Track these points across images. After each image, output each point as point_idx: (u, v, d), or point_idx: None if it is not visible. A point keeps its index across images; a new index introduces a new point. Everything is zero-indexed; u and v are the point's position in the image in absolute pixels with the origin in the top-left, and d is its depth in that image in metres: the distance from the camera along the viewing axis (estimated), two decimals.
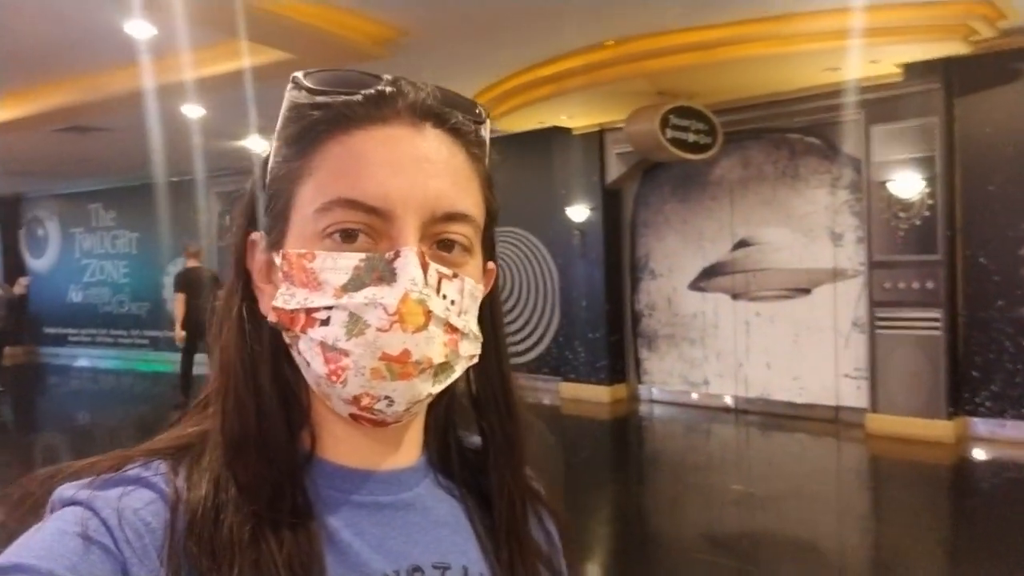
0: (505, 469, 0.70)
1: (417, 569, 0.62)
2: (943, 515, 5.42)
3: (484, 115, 0.65)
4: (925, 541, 4.76)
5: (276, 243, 0.60)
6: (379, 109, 0.59)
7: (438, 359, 0.58)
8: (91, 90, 6.49)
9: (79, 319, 13.84)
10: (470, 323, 0.62)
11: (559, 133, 8.50)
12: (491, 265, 0.69)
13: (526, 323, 9.53)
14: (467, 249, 0.61)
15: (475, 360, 0.64)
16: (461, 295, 0.60)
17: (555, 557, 0.75)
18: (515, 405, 0.72)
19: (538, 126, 8.24)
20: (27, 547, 0.50)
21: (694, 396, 8.31)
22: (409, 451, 0.67)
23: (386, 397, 0.57)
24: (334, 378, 0.57)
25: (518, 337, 9.60)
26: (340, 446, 0.63)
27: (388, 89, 0.59)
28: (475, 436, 0.73)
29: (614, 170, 8.38)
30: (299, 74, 0.60)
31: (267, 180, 0.62)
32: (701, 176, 7.98)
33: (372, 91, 0.59)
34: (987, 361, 6.37)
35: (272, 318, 0.60)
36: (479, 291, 0.63)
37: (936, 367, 6.41)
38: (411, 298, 0.55)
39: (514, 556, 0.69)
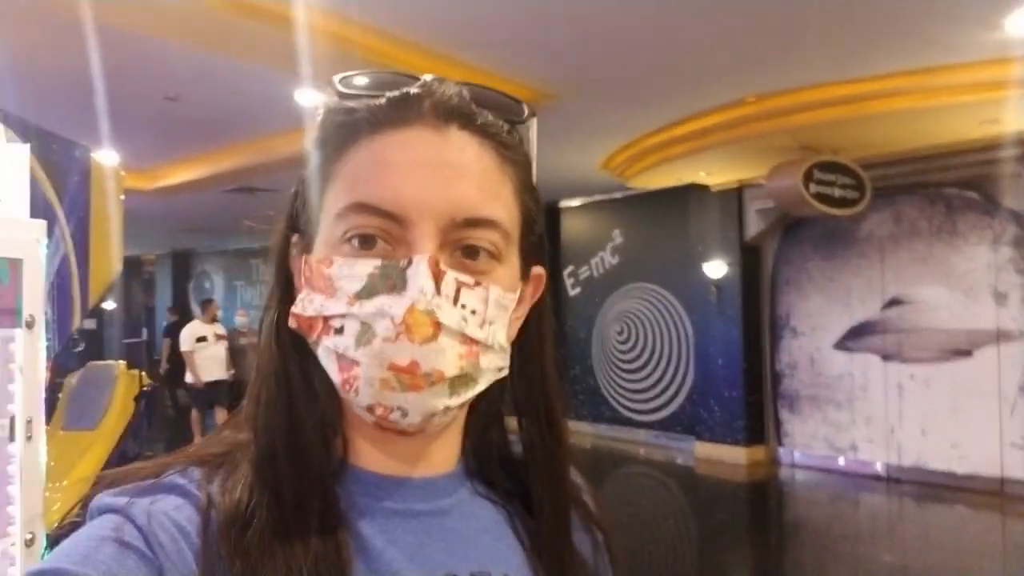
0: (546, 480, 0.68)
1: None
2: None
3: (526, 113, 0.63)
4: None
5: (307, 247, 0.60)
6: (402, 112, 0.57)
7: (451, 372, 0.55)
8: (260, 154, 7.14)
9: None
10: (496, 334, 0.59)
11: (696, 190, 8.47)
12: (538, 270, 0.65)
13: (659, 380, 9.40)
14: (494, 256, 0.58)
15: (503, 373, 0.61)
16: (485, 304, 0.57)
17: (601, 570, 0.72)
18: (557, 416, 0.69)
19: (675, 183, 8.26)
20: (65, 553, 0.51)
21: (840, 462, 7.87)
22: (445, 458, 0.65)
23: (399, 408, 0.55)
24: (347, 387, 0.56)
25: (650, 394, 9.48)
26: (372, 453, 0.62)
27: (414, 91, 0.58)
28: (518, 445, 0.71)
29: (753, 226, 8.24)
30: (335, 78, 0.60)
31: (302, 184, 0.62)
32: (848, 232, 7.70)
33: (397, 93, 0.58)
34: None
35: (292, 324, 0.59)
36: (508, 300, 0.60)
37: None
38: (418, 309, 0.53)
39: (555, 568, 0.66)
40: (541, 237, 0.65)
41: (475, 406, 0.65)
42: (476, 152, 0.58)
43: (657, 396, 9.42)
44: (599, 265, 10.14)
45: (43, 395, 1.80)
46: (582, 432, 10.26)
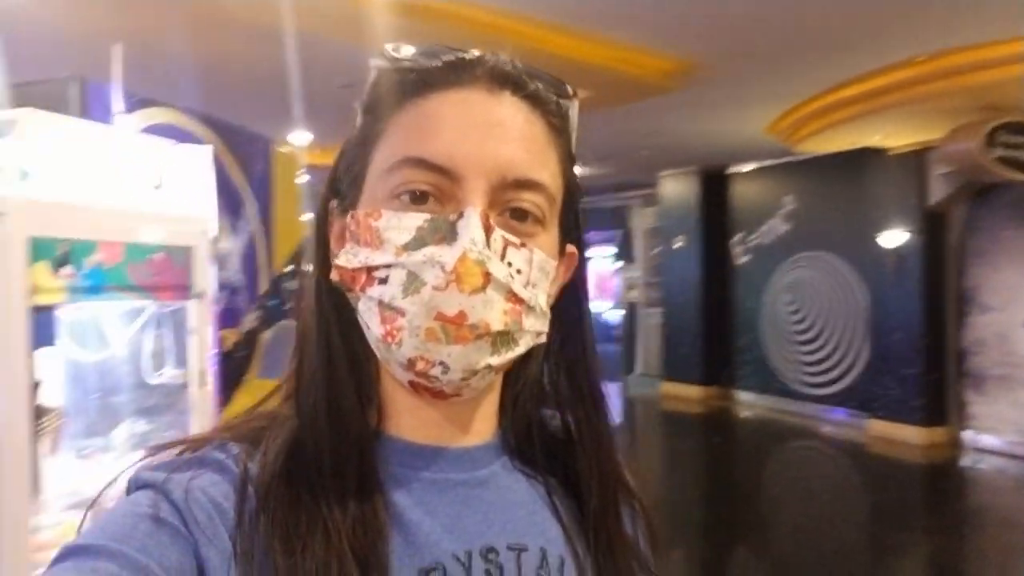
0: (593, 461, 0.67)
1: (491, 550, 0.60)
2: None
3: (571, 92, 0.64)
4: None
5: (350, 206, 0.60)
6: (456, 74, 0.58)
7: (496, 326, 0.55)
8: None
9: None
10: (538, 297, 0.59)
11: (872, 154, 7.99)
12: (571, 248, 0.66)
13: (831, 353, 9.03)
14: (540, 221, 0.59)
15: (542, 338, 0.61)
16: (529, 265, 0.58)
17: (638, 534, 0.72)
18: (600, 396, 0.69)
19: (848, 147, 7.85)
20: (100, 529, 0.52)
21: None
22: (481, 429, 0.65)
23: (441, 363, 0.55)
24: (389, 339, 0.55)
25: (822, 367, 9.13)
26: (408, 422, 0.62)
27: (468, 56, 0.59)
28: (557, 421, 0.70)
29: (937, 192, 7.66)
30: (388, 46, 0.60)
31: (348, 146, 0.63)
32: None
33: (452, 57, 0.59)
34: None
35: (335, 277, 0.60)
36: (550, 266, 0.60)
37: None
38: (469, 258, 0.53)
39: (602, 548, 0.66)
40: (579, 215, 0.66)
41: (511, 380, 0.66)
42: (527, 117, 0.59)
43: (829, 370, 9.06)
44: (769, 232, 9.85)
45: (213, 351, 2.26)
46: (748, 403, 10.10)
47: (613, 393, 12.01)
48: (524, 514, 0.64)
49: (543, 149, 0.60)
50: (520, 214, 0.58)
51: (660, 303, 11.32)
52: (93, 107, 2.77)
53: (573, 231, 0.66)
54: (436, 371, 0.55)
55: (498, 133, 0.57)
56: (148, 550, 0.50)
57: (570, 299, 0.67)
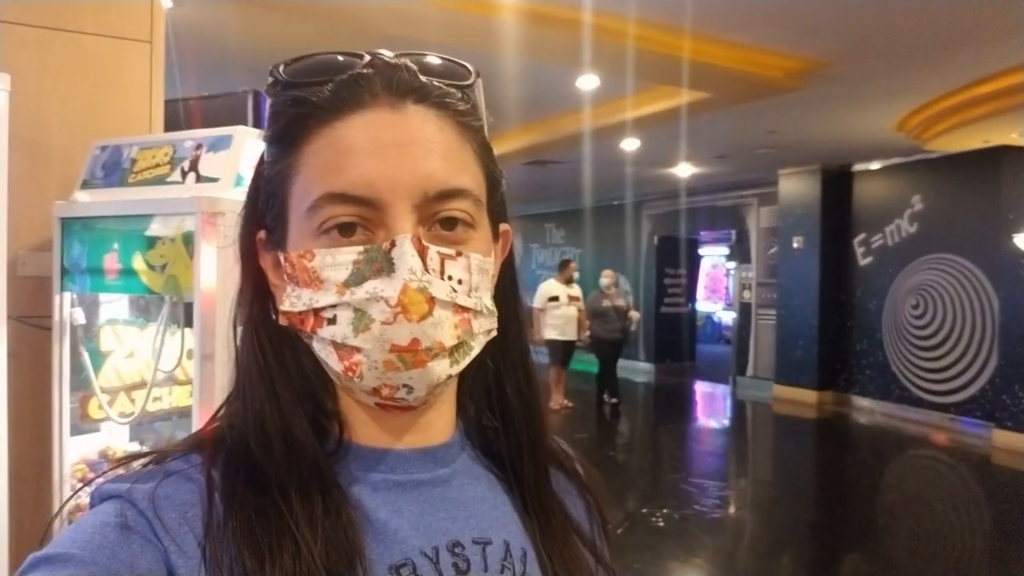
0: (526, 430, 0.69)
1: (457, 544, 0.61)
2: None
3: (473, 74, 0.62)
4: None
5: (279, 243, 0.60)
6: (355, 95, 0.57)
7: (450, 342, 0.56)
8: (548, 132, 7.88)
9: None
10: (483, 299, 0.60)
11: (1008, 152, 7.64)
12: (504, 227, 0.67)
13: (957, 360, 8.68)
14: (469, 224, 0.59)
15: (493, 334, 0.63)
16: (469, 272, 0.58)
17: (596, 534, 0.73)
18: (532, 367, 0.70)
19: (981, 145, 7.55)
20: (69, 539, 0.51)
21: None
22: (442, 427, 0.66)
23: (405, 385, 0.56)
24: (350, 374, 0.56)
25: (946, 375, 8.80)
26: (371, 429, 0.62)
27: (362, 71, 0.57)
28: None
29: None
30: (277, 67, 0.59)
31: (262, 181, 0.62)
32: None
33: (346, 77, 0.57)
34: None
35: (283, 321, 0.60)
36: (489, 264, 0.61)
37: None
38: (411, 288, 0.53)
39: (544, 524, 0.67)
40: (503, 195, 0.66)
41: (466, 372, 0.65)
42: (435, 125, 0.58)
43: (954, 377, 8.70)
44: (894, 233, 9.51)
45: None
46: (865, 409, 9.83)
47: (723, 395, 11.92)
48: (487, 509, 0.65)
49: (458, 152, 0.59)
50: (450, 223, 0.58)
51: (775, 304, 11.15)
52: (264, 118, 3.12)
53: (502, 211, 0.67)
54: (401, 393, 0.57)
55: (411, 151, 0.56)
56: (118, 557, 0.50)
57: (502, 275, 0.67)
